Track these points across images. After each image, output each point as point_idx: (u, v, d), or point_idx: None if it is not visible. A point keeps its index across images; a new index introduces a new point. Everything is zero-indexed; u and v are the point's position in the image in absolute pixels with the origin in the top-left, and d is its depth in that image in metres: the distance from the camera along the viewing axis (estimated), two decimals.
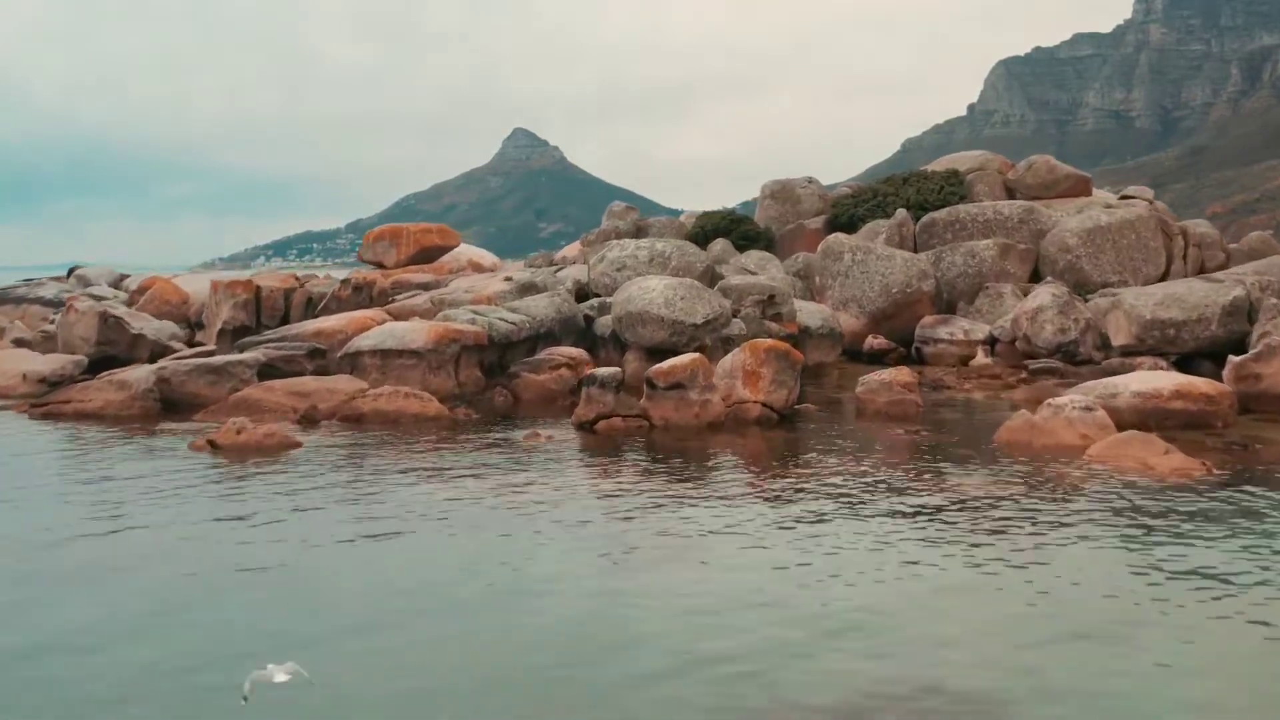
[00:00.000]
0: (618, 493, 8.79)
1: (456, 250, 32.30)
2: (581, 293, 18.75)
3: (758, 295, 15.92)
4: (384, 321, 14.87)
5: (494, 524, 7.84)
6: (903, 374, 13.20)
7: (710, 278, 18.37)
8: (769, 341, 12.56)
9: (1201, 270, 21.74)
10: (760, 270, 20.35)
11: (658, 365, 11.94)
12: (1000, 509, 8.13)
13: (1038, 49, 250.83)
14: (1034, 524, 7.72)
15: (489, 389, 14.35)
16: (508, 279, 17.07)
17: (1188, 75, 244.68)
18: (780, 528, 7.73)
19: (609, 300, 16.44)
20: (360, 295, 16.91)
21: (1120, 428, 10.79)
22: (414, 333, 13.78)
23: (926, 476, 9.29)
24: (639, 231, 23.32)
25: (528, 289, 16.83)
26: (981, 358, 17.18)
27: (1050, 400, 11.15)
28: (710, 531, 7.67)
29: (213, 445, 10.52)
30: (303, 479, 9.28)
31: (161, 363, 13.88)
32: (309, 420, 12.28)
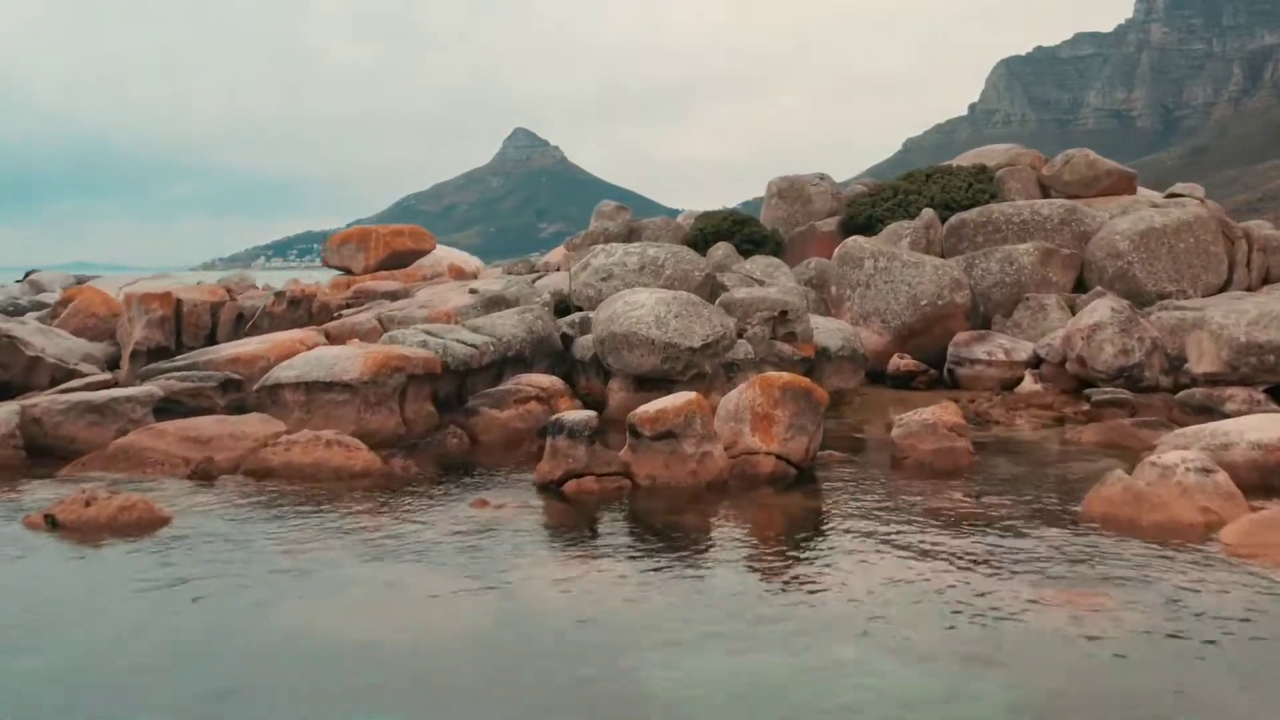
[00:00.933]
0: (585, 611, 6.12)
1: (436, 254, 29.71)
2: (562, 305, 16.08)
3: (767, 311, 13.23)
4: (316, 345, 12.18)
5: (401, 691, 5.16)
6: (949, 412, 10.51)
7: (710, 288, 15.69)
8: (785, 376, 9.86)
9: (1267, 279, 19.08)
10: (768, 279, 17.68)
11: (643, 409, 9.25)
12: (1137, 647, 5.46)
13: (1039, 48, 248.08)
14: (1194, 673, 5.05)
15: (444, 426, 11.70)
16: (472, 291, 14.39)
17: (1189, 75, 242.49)
18: (821, 681, 5.06)
19: (592, 315, 13.74)
20: (298, 311, 14.16)
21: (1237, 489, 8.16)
22: (347, 360, 11.09)
23: (1008, 580, 6.61)
24: (631, 234, 20.64)
25: (495, 303, 14.13)
26: (1030, 383, 14.49)
27: (1154, 458, 8.45)
28: (717, 684, 5.01)
29: (51, 522, 7.84)
30: (150, 585, 6.60)
31: (32, 398, 11.18)
32: (203, 475, 9.60)
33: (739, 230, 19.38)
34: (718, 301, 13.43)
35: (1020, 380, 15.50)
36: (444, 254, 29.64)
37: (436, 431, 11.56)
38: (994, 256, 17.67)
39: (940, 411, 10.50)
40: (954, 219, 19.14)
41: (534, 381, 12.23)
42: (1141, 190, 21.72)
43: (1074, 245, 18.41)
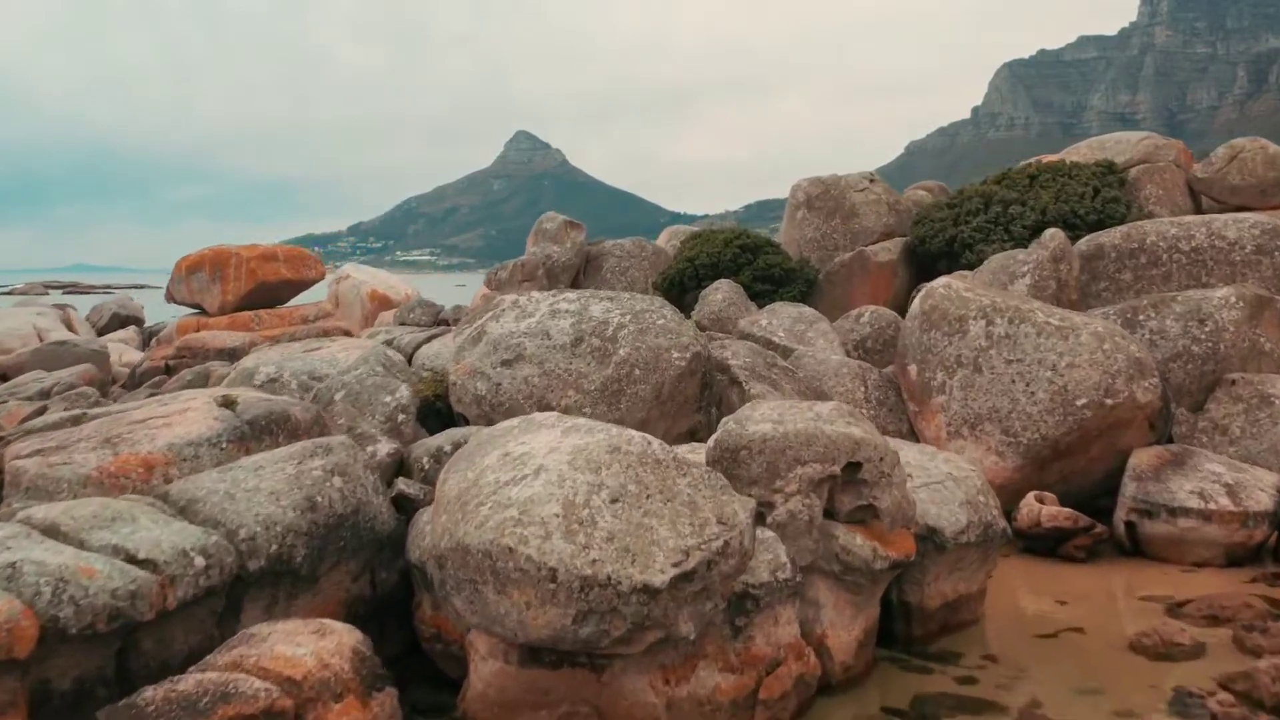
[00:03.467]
0: None
1: (355, 278, 22.54)
2: (437, 404, 8.90)
3: (818, 465, 5.98)
4: None
5: None
6: None
7: (702, 379, 8.48)
8: None
9: None
10: (798, 342, 10.53)
11: None
12: None
13: (1042, 51, 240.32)
14: None
15: None
16: (226, 403, 7.10)
17: (1193, 78, 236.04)
18: None
19: (462, 446, 6.46)
20: None
21: None
22: None
23: None
24: (588, 264, 13.43)
25: (268, 428, 6.85)
26: None
27: None
28: None
29: None
30: None
31: None
32: None
33: (749, 261, 12.12)
34: (714, 441, 6.12)
35: (1254, 544, 8.36)
36: (364, 278, 22.49)
37: None
38: (1170, 309, 10.44)
39: None
40: (1085, 244, 11.92)
41: (272, 663, 4.98)
42: None
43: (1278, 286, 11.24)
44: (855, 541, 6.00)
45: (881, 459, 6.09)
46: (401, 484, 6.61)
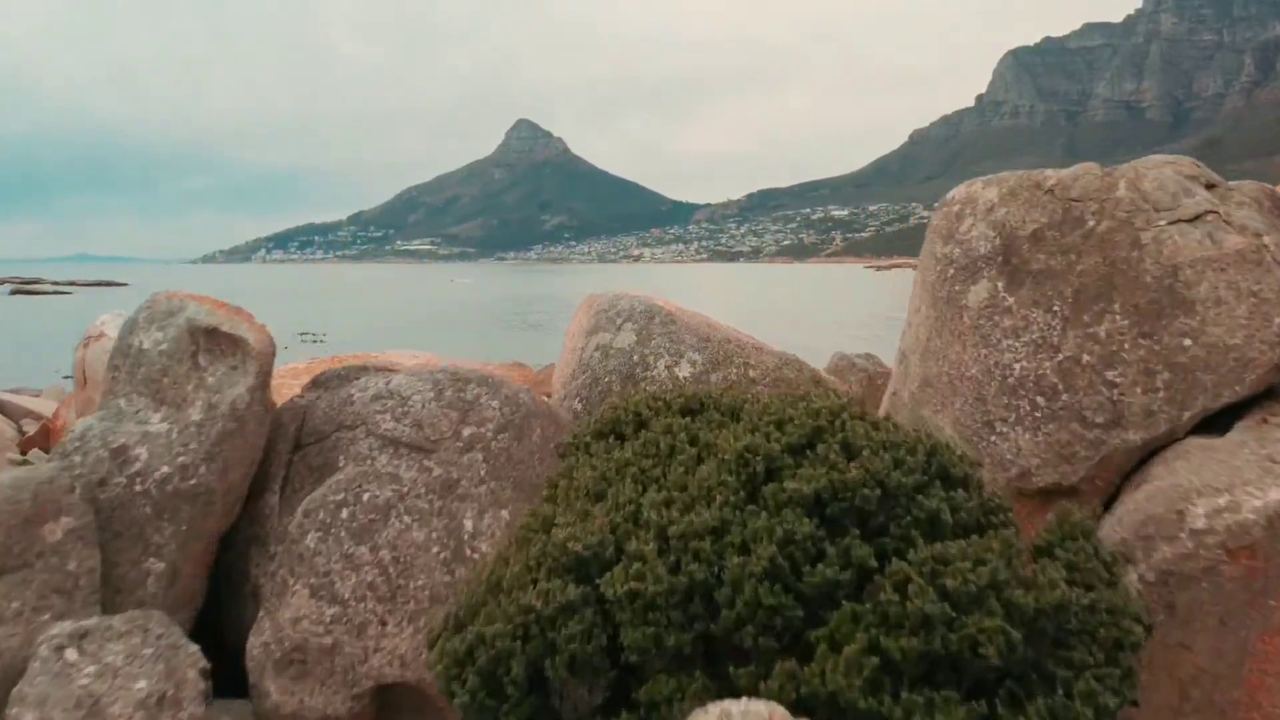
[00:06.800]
0: None
1: (111, 342, 12.54)
2: None
3: None
4: None
5: None
6: None
7: None
8: None
9: None
10: None
11: None
12: None
13: (1047, 39, 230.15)
14: None
15: None
16: None
17: (1199, 66, 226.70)
18: None
19: None
20: None
21: None
22: None
23: None
24: (291, 467, 3.98)
25: None
26: None
27: None
28: None
29: None
30: None
31: None
32: None
33: (816, 505, 2.49)
34: None
35: None
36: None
37: None
38: None
39: None
40: None
41: None
42: None
43: None
44: None
45: None
46: None
